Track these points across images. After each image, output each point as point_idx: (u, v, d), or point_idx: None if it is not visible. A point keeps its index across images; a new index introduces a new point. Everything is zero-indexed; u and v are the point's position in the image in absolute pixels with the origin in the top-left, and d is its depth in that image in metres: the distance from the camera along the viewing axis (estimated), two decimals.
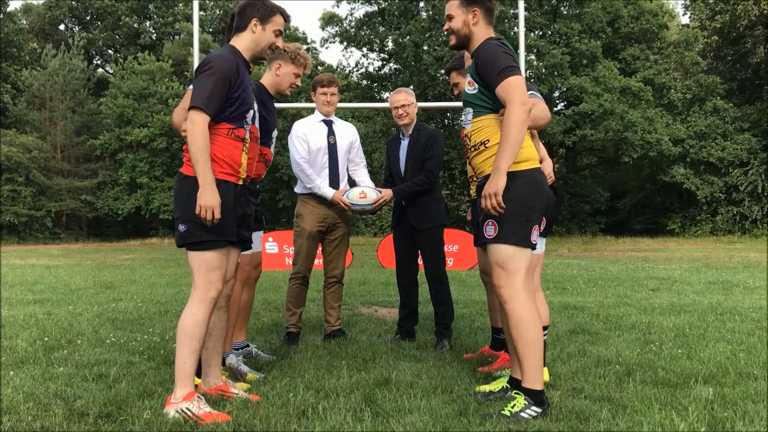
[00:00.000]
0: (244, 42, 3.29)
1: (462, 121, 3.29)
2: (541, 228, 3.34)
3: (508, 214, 3.01)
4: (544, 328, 3.63)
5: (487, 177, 3.09)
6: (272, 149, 4.03)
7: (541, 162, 3.44)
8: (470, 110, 3.21)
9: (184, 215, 3.10)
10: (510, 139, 2.92)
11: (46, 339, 4.98)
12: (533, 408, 2.92)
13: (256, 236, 3.89)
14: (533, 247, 3.10)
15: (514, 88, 2.96)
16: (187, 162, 3.16)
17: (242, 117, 3.22)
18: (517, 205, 3.02)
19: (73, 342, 4.90)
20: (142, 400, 3.21)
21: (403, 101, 4.93)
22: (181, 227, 3.12)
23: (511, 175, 3.00)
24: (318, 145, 4.90)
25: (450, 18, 3.31)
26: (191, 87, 3.47)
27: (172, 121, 3.60)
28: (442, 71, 29.35)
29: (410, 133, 4.98)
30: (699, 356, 4.13)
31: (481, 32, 3.25)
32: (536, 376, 2.97)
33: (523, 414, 2.89)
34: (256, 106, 3.48)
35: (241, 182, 3.24)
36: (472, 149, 3.20)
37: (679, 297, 7.50)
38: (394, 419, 2.87)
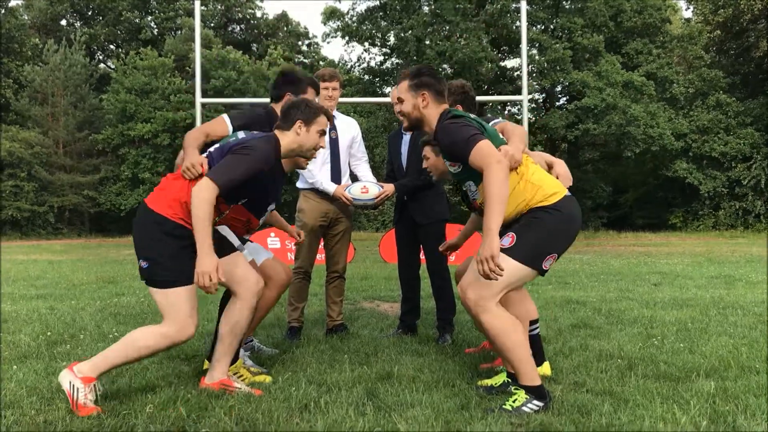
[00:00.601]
0: (287, 139, 3.36)
1: (471, 193, 3.26)
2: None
3: (531, 232, 3.02)
4: (534, 321, 3.62)
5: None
6: (261, 220, 3.71)
7: (550, 168, 3.44)
8: (471, 183, 3.21)
9: (144, 252, 3.14)
10: (495, 199, 2.85)
11: (49, 334, 5.00)
12: (535, 402, 2.92)
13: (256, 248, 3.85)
14: (542, 273, 3.09)
15: (484, 154, 2.94)
16: (157, 194, 3.22)
17: (263, 210, 3.46)
18: (545, 230, 3.03)
19: (76, 337, 4.91)
20: (144, 394, 3.22)
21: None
22: (143, 263, 3.14)
23: (544, 209, 3.04)
24: None
25: (400, 101, 3.34)
26: (225, 116, 3.54)
27: (186, 137, 3.58)
28: (445, 66, 29.47)
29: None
30: (701, 350, 4.13)
31: (433, 113, 3.28)
32: (530, 374, 2.97)
33: (524, 408, 2.90)
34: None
35: None
36: None
37: (681, 291, 7.49)
38: (396, 413, 2.88)
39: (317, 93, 3.51)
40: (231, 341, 3.34)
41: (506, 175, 2.89)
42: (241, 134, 3.42)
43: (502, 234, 3.00)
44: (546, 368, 3.62)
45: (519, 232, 3.04)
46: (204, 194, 3.00)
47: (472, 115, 3.28)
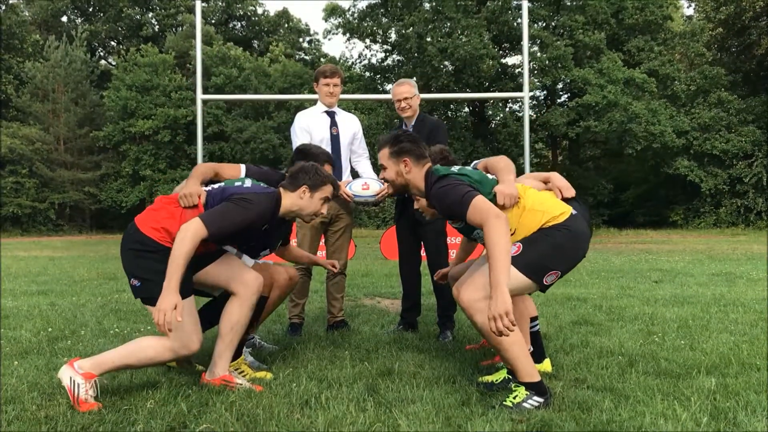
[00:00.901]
0: (289, 200, 3.39)
1: (480, 238, 3.22)
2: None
3: (537, 245, 3.02)
4: (534, 319, 3.64)
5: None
6: (253, 262, 3.70)
7: (546, 183, 3.45)
8: (478, 231, 3.17)
9: (134, 271, 3.18)
10: (499, 254, 2.83)
11: (49, 329, 5.00)
12: (535, 398, 2.92)
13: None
14: (543, 288, 3.09)
15: (481, 210, 2.94)
16: (148, 214, 3.24)
17: (254, 254, 3.53)
18: (551, 246, 3.03)
19: (77, 333, 4.92)
20: (145, 389, 3.23)
21: (406, 94, 4.90)
22: (135, 282, 3.18)
23: (553, 227, 3.05)
24: (321, 137, 4.89)
25: (383, 168, 3.36)
26: (243, 165, 3.63)
27: (195, 168, 3.57)
28: (446, 63, 29.45)
29: (413, 124, 4.96)
30: (702, 347, 4.13)
31: (417, 176, 3.30)
32: (528, 371, 2.96)
33: (525, 404, 2.89)
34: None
35: None
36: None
37: (682, 288, 7.49)
38: (397, 409, 2.88)
39: (335, 190, 3.53)
40: (232, 339, 3.35)
41: (506, 227, 2.87)
42: (248, 182, 3.44)
43: None
44: (546, 365, 3.62)
45: (526, 244, 3.05)
46: (190, 234, 3.00)
47: (455, 168, 3.29)
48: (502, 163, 3.33)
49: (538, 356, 3.56)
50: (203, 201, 3.26)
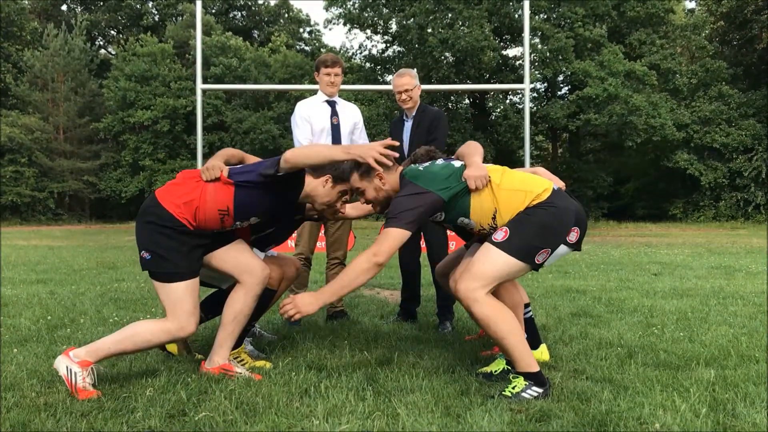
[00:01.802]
0: (311, 185, 3.36)
1: (468, 225, 3.21)
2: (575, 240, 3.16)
3: (524, 226, 3.01)
4: (526, 305, 3.63)
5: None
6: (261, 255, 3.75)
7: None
8: (462, 218, 3.17)
9: (146, 244, 3.15)
10: (345, 280, 2.97)
11: (49, 318, 5.01)
12: (534, 388, 2.92)
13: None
14: (535, 267, 3.06)
15: (383, 238, 2.99)
16: (169, 188, 3.21)
17: (265, 247, 3.62)
18: (538, 225, 3.00)
19: (76, 321, 4.92)
20: (145, 377, 3.23)
21: (407, 85, 4.86)
22: (145, 254, 3.15)
23: (537, 206, 3.03)
24: (321, 126, 4.87)
25: (361, 192, 3.34)
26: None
27: (223, 149, 3.56)
28: (447, 54, 29.35)
29: (414, 114, 4.95)
30: (701, 339, 4.14)
31: (394, 182, 3.30)
32: (527, 361, 2.96)
33: (524, 394, 2.89)
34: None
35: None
36: (494, 226, 3.14)
37: (681, 281, 7.50)
38: (396, 398, 2.88)
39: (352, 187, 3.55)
40: (234, 328, 3.34)
41: (369, 268, 2.96)
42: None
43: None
44: (544, 353, 3.62)
45: (512, 227, 3.02)
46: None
47: (427, 164, 3.30)
48: (469, 148, 3.33)
49: (533, 343, 3.56)
50: (226, 175, 3.22)
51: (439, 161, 3.34)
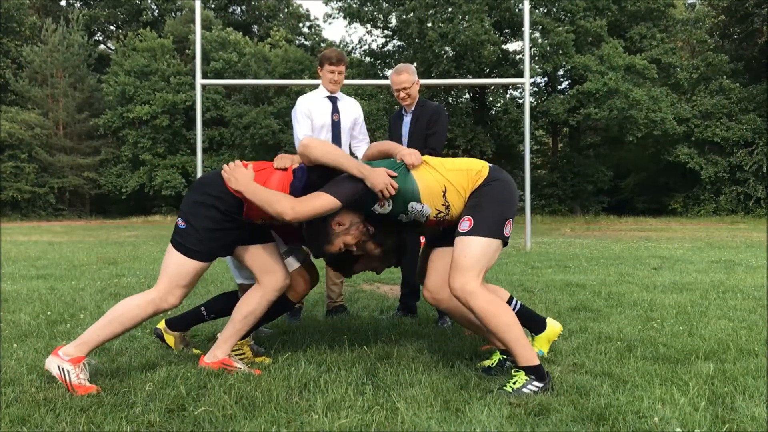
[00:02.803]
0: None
1: (420, 213, 3.14)
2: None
3: (483, 207, 3.06)
4: (509, 300, 3.58)
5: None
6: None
7: None
8: (412, 204, 3.11)
9: (188, 214, 3.14)
10: (259, 194, 3.00)
11: (49, 313, 5.01)
12: (535, 383, 2.91)
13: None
14: (505, 240, 3.10)
15: (311, 196, 2.99)
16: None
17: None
18: (494, 201, 3.07)
19: (76, 316, 4.92)
20: (144, 372, 3.23)
21: (405, 83, 4.80)
22: (181, 223, 3.15)
23: (483, 185, 3.10)
24: (322, 122, 4.85)
25: (345, 229, 3.18)
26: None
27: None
28: (447, 48, 29.29)
29: (413, 109, 4.93)
30: (700, 333, 4.14)
31: (370, 246, 3.29)
32: (527, 355, 2.96)
33: (525, 390, 2.89)
34: None
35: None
36: (446, 204, 3.13)
37: (681, 275, 7.50)
38: (396, 392, 2.89)
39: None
40: (242, 327, 3.34)
41: (282, 211, 2.95)
42: None
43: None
44: (552, 329, 3.60)
45: (472, 213, 3.07)
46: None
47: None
48: (383, 145, 3.41)
49: (538, 326, 3.56)
50: (293, 168, 3.21)
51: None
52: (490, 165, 3.22)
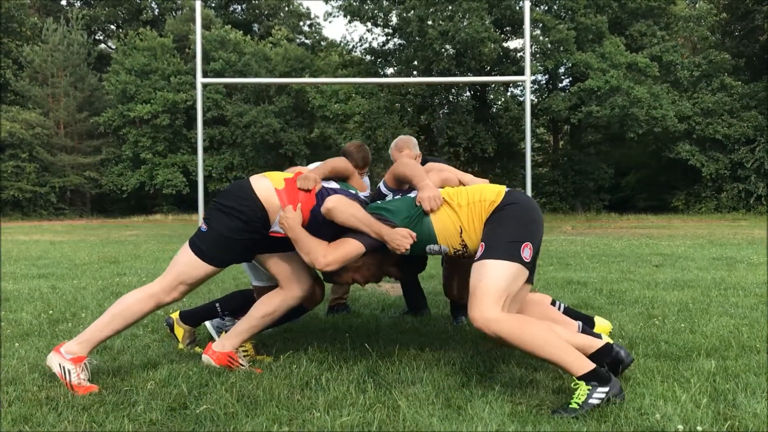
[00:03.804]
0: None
1: (436, 251, 3.11)
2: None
3: (495, 230, 2.93)
4: (553, 303, 3.57)
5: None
6: None
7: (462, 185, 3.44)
8: (430, 246, 3.09)
9: (214, 221, 3.14)
10: (300, 241, 3.05)
11: (50, 312, 5.01)
12: (599, 390, 2.64)
13: None
14: (526, 265, 2.87)
15: (341, 243, 3.04)
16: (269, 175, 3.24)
17: None
18: (507, 223, 2.93)
19: (78, 315, 4.93)
20: (146, 371, 3.24)
21: (395, 157, 4.53)
22: (203, 227, 3.17)
23: (496, 210, 2.98)
24: None
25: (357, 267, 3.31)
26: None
27: (338, 161, 3.46)
28: (447, 46, 29.22)
29: None
30: (702, 330, 4.14)
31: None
32: (576, 364, 2.70)
33: (591, 401, 2.61)
34: None
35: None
36: (464, 244, 3.07)
37: (682, 273, 7.49)
38: (397, 390, 2.89)
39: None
40: (258, 325, 3.37)
41: (324, 255, 3.00)
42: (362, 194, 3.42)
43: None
44: (603, 325, 3.57)
45: (486, 238, 2.94)
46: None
47: (381, 202, 3.27)
48: (407, 170, 3.29)
49: (588, 323, 3.54)
50: (317, 190, 3.20)
51: (390, 196, 3.34)
52: (508, 189, 3.10)
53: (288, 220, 3.05)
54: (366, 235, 3.03)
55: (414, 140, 4.62)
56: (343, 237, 3.06)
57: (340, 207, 3.03)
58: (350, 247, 3.01)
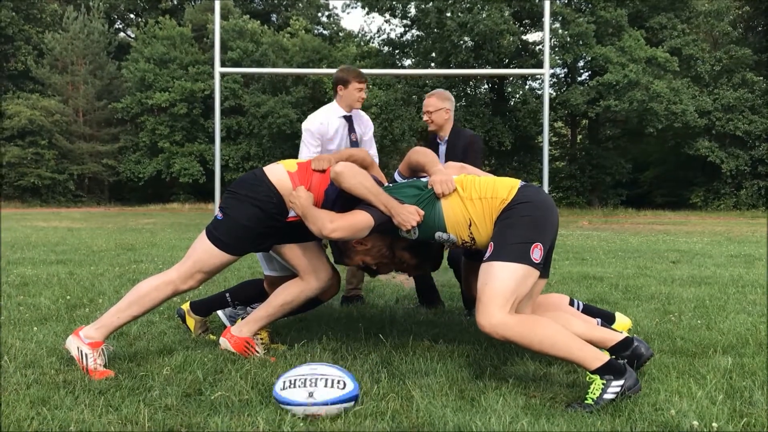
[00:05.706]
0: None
1: (447, 241, 3.04)
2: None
3: (504, 231, 2.85)
4: (571, 303, 3.52)
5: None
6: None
7: None
8: (439, 234, 3.02)
9: (229, 209, 3.15)
10: (310, 215, 2.99)
11: (68, 297, 5.07)
12: (614, 384, 2.59)
13: None
14: (536, 266, 2.80)
15: (350, 214, 3.00)
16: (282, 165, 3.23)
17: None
18: (517, 223, 2.85)
19: (95, 301, 4.98)
20: (161, 357, 3.27)
21: (428, 106, 4.68)
22: (219, 215, 3.18)
23: (506, 209, 2.90)
24: (338, 144, 4.68)
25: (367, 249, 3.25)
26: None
27: (357, 150, 3.48)
28: (466, 38, 29.10)
29: (447, 138, 4.75)
30: (719, 327, 4.10)
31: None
32: (589, 357, 2.66)
33: (606, 396, 2.58)
34: None
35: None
36: (472, 237, 3.01)
37: (699, 269, 7.43)
38: (411, 381, 2.89)
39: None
40: (276, 313, 3.39)
41: (319, 230, 2.96)
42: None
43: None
44: (622, 323, 3.55)
45: (495, 238, 2.87)
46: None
47: (391, 185, 3.24)
48: (421, 157, 3.24)
49: (607, 320, 3.52)
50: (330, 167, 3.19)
51: (401, 181, 3.32)
52: (522, 184, 2.99)
53: (299, 198, 3.02)
54: (375, 209, 2.98)
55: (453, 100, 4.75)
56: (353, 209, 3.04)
57: (349, 172, 3.00)
58: (359, 216, 2.97)
